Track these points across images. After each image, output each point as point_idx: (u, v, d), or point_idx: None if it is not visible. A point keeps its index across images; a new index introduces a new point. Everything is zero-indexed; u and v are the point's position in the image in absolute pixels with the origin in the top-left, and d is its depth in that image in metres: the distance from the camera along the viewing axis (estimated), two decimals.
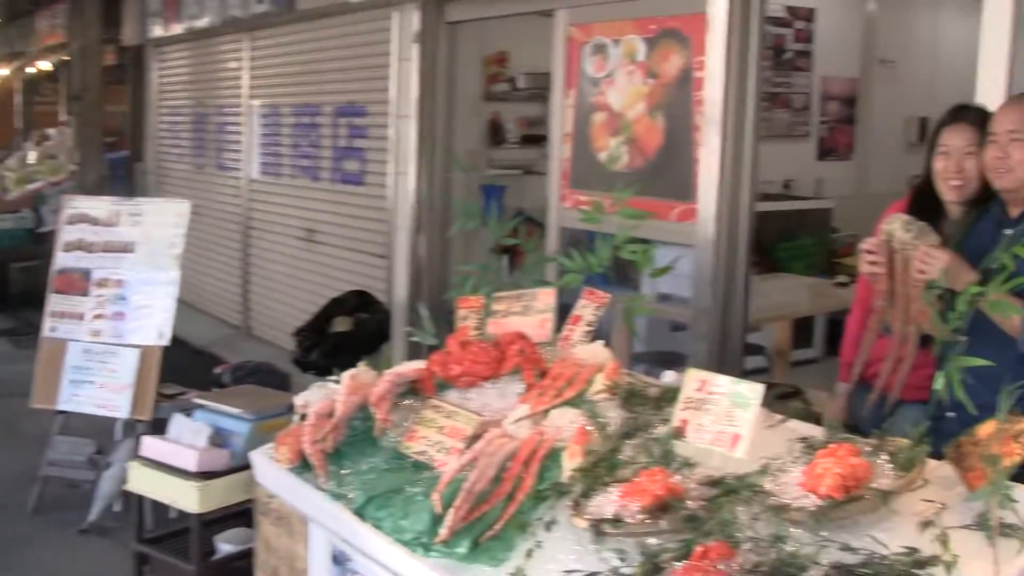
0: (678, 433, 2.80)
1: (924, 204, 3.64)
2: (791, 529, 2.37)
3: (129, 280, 6.21)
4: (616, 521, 2.46)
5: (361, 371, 3.40)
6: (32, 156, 15.44)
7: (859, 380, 3.71)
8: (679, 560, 2.28)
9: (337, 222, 8.83)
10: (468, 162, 8.35)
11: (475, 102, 8.70)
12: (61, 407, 6.22)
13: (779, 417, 3.09)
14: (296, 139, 9.50)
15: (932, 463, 2.63)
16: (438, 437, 2.99)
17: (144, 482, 4.63)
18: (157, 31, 12.40)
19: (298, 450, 3.19)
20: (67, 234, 6.52)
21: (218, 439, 4.61)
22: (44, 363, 6.30)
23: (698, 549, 2.27)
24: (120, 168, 14.29)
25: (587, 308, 3.68)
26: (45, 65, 18.99)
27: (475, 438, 2.92)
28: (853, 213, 9.32)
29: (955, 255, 3.17)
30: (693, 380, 2.86)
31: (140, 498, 4.79)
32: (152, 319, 6.09)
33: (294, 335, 7.78)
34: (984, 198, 3.49)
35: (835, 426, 2.89)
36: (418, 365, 3.41)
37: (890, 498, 2.44)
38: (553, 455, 2.83)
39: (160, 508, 5.00)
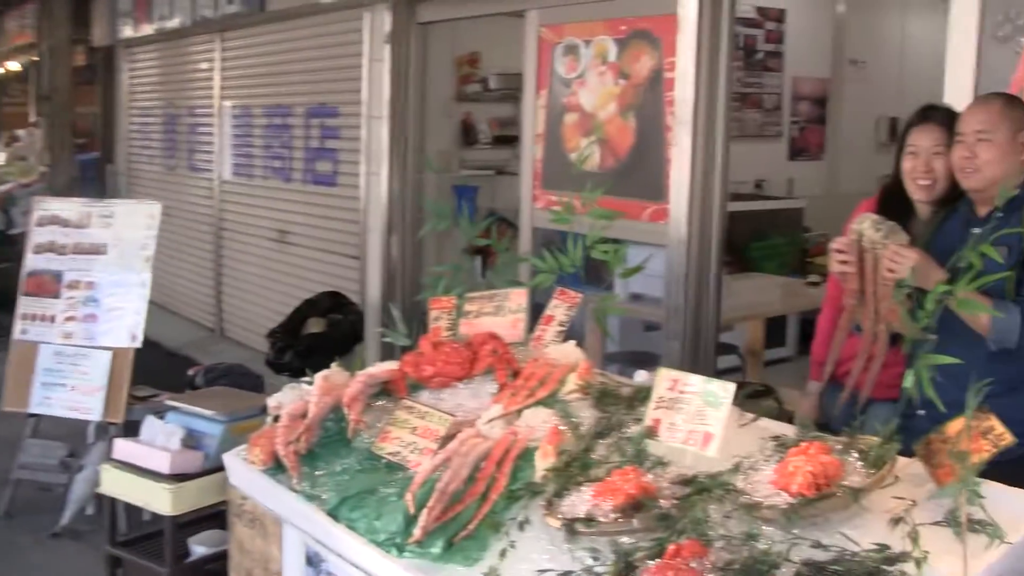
0: (650, 432, 2.81)
1: (893, 204, 3.66)
2: (763, 527, 2.39)
3: (100, 282, 6.18)
4: (589, 520, 2.47)
5: (334, 372, 3.40)
6: (1, 157, 15.34)
7: (831, 379, 3.73)
8: (652, 559, 2.29)
9: (310, 223, 8.82)
10: (440, 163, 8.35)
11: (447, 103, 8.70)
12: (33, 410, 6.18)
13: (751, 416, 3.10)
14: (268, 140, 9.48)
15: (903, 460, 2.65)
16: (411, 438, 3.00)
17: (117, 485, 4.61)
18: (127, 31, 12.33)
19: (271, 451, 3.19)
20: (38, 236, 6.48)
21: (191, 441, 4.59)
22: (15, 366, 6.27)
23: (671, 548, 2.29)
24: (91, 170, 14.21)
25: (559, 308, 3.69)
26: (14, 66, 18.89)
27: (448, 438, 2.92)
28: (824, 213, 9.35)
29: (924, 254, 3.20)
30: (665, 379, 2.87)
31: (113, 501, 4.77)
32: (124, 321, 6.06)
33: (267, 337, 7.77)
34: (953, 197, 3.52)
35: (807, 424, 2.90)
36: (391, 366, 3.42)
37: (861, 495, 2.46)
38: (526, 455, 2.84)
39: (133, 511, 4.98)
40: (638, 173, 5.60)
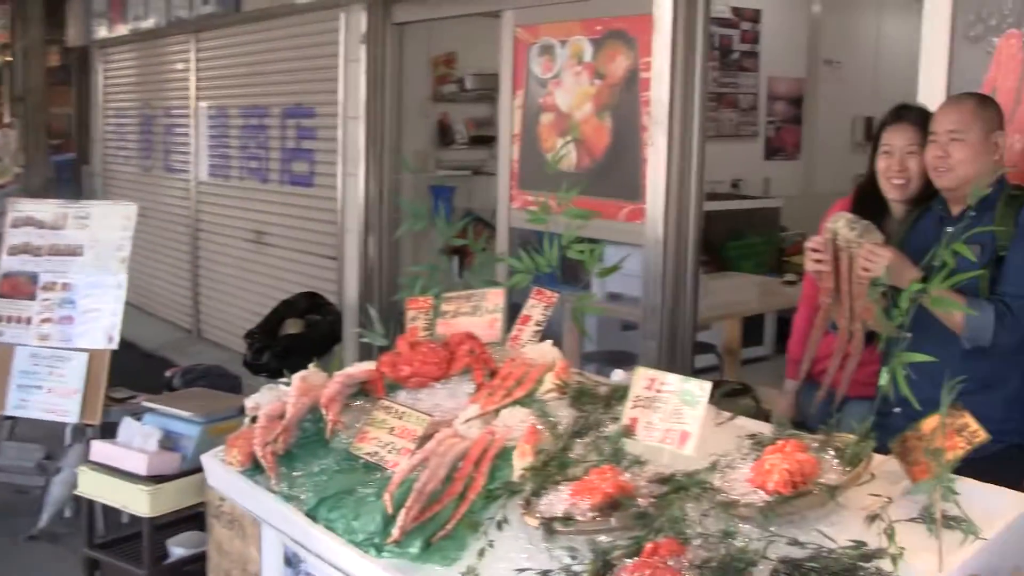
0: (628, 431, 2.82)
1: (868, 203, 3.68)
2: (740, 525, 2.40)
3: (76, 283, 6.15)
4: (567, 519, 2.48)
5: (311, 373, 3.41)
6: None
7: (807, 377, 3.75)
8: (630, 557, 2.30)
9: (287, 224, 8.80)
10: (417, 163, 8.35)
11: (423, 103, 8.70)
12: (9, 412, 6.15)
13: (727, 414, 3.11)
14: (244, 141, 9.46)
15: (878, 458, 2.67)
16: (389, 438, 3.00)
17: (94, 487, 4.60)
18: (102, 32, 12.28)
19: (249, 452, 3.19)
20: (13, 237, 6.45)
21: (169, 442, 4.58)
22: None
23: (648, 546, 2.30)
24: (66, 171, 14.16)
25: (536, 308, 3.70)
26: None
27: (426, 438, 2.93)
28: (801, 212, 9.40)
29: (899, 253, 3.21)
30: (642, 378, 2.88)
31: (91, 503, 4.76)
32: (100, 323, 6.04)
33: (245, 338, 7.76)
34: (926, 196, 3.54)
35: (783, 423, 2.91)
36: (368, 366, 3.42)
37: (837, 493, 2.47)
38: (504, 454, 2.85)
39: (112, 513, 4.96)
40: (614, 173, 5.61)
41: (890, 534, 2.29)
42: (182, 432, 4.61)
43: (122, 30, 11.72)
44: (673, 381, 2.82)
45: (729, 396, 3.35)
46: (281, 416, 3.21)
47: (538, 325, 3.66)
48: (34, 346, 6.12)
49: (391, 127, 7.60)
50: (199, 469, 3.63)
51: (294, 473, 3.09)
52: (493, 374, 3.32)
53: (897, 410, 3.11)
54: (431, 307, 3.73)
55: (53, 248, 6.29)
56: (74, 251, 6.22)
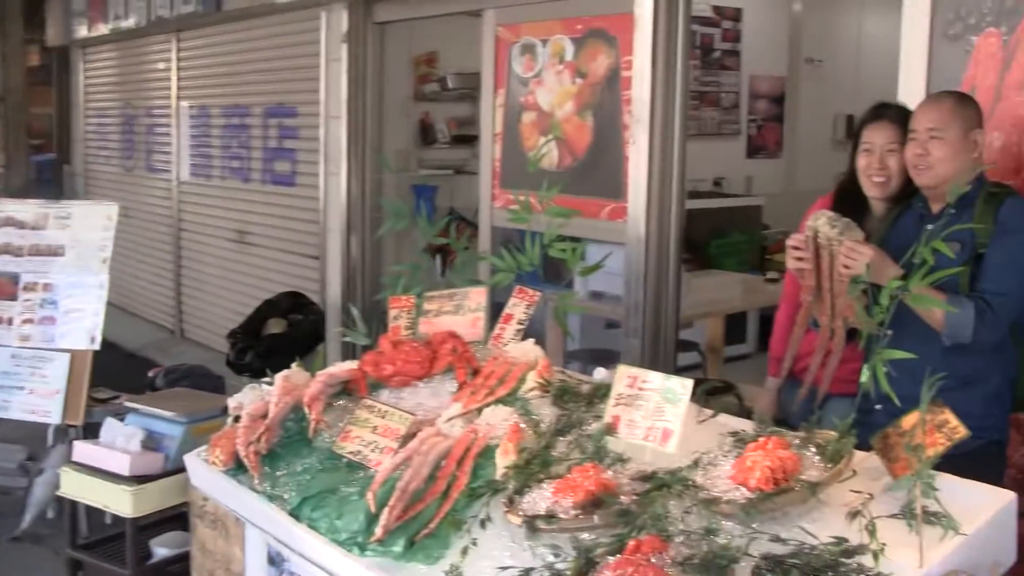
0: (610, 429, 2.83)
1: (848, 200, 3.69)
2: (722, 522, 2.41)
3: (58, 284, 6.12)
4: (550, 517, 2.48)
5: (294, 372, 3.40)
6: None
7: (789, 375, 3.76)
8: (612, 554, 2.31)
9: (269, 223, 8.79)
10: (399, 162, 8.34)
11: (405, 102, 8.68)
12: None
13: (709, 412, 3.12)
14: (226, 140, 9.44)
15: (860, 455, 2.68)
16: (372, 437, 3.00)
17: (77, 487, 4.59)
18: (82, 31, 12.24)
19: (232, 452, 3.19)
20: None
21: (151, 443, 4.57)
22: None
23: (631, 543, 2.31)
24: (47, 171, 14.12)
25: (518, 306, 3.70)
26: None
27: (409, 437, 2.93)
28: (783, 210, 9.42)
29: (879, 250, 3.23)
30: (624, 377, 2.89)
31: (73, 504, 4.75)
32: (82, 323, 6.01)
33: (228, 337, 7.74)
34: (907, 194, 3.56)
35: (765, 420, 2.92)
36: (350, 366, 3.42)
37: (819, 489, 2.48)
38: (487, 453, 2.85)
39: (95, 514, 4.95)
40: (596, 171, 5.62)
41: (871, 530, 2.29)
42: (165, 432, 4.60)
43: (102, 29, 11.68)
44: (655, 379, 2.83)
45: (711, 394, 3.34)
46: (264, 416, 3.21)
47: (520, 324, 3.67)
48: (15, 347, 6.09)
49: (373, 126, 7.60)
50: (182, 469, 3.63)
51: (277, 472, 3.09)
52: (476, 373, 3.33)
53: (878, 407, 3.12)
54: (413, 306, 3.73)
55: (34, 248, 6.27)
56: (55, 251, 6.20)
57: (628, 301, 5.44)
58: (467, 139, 8.87)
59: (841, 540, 2.30)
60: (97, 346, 5.95)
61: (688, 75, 5.35)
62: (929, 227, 3.19)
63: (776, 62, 10.74)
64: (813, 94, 10.86)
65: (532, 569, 2.39)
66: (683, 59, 5.28)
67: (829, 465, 2.58)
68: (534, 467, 2.72)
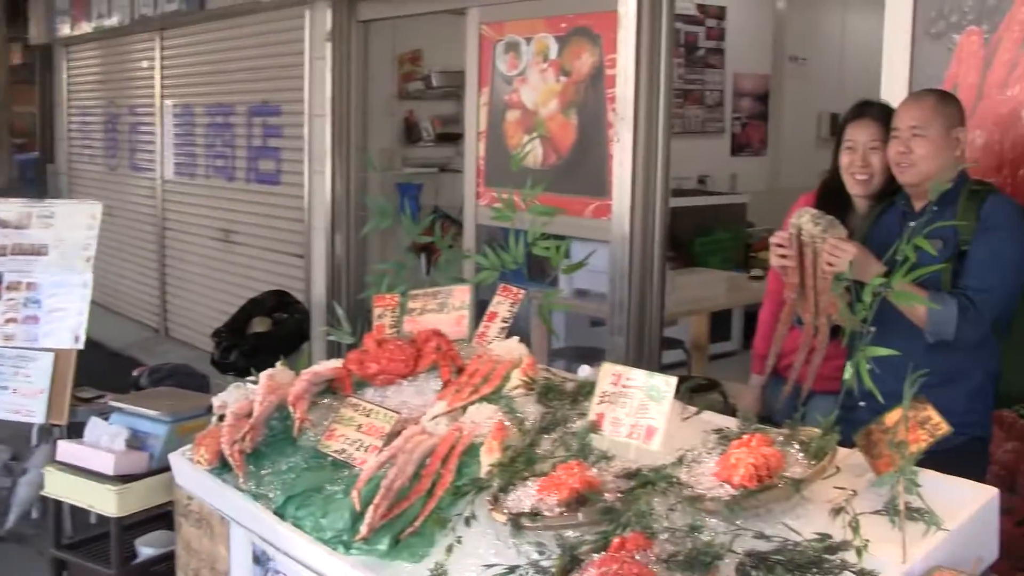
0: (594, 427, 2.83)
1: (832, 198, 3.71)
2: (706, 519, 2.42)
3: (41, 283, 6.10)
4: (534, 515, 2.48)
5: (279, 371, 3.40)
6: None
7: (773, 372, 3.77)
8: (597, 552, 2.31)
9: (254, 222, 8.78)
10: (383, 161, 8.34)
11: (389, 101, 8.68)
12: None
13: (693, 409, 3.13)
14: (210, 139, 9.43)
15: (844, 451, 2.69)
16: (357, 435, 3.00)
17: (61, 487, 4.57)
18: (65, 30, 12.20)
19: (217, 451, 3.18)
20: None
21: (136, 442, 4.56)
22: None
23: (615, 541, 2.31)
24: (30, 170, 14.06)
25: (502, 304, 3.70)
26: None
27: (393, 436, 2.93)
28: (767, 208, 9.44)
29: (862, 248, 3.24)
30: (608, 374, 2.89)
31: (58, 503, 4.73)
32: (66, 322, 5.99)
33: (212, 336, 7.73)
34: (890, 192, 3.57)
35: (749, 417, 2.93)
36: (335, 364, 3.42)
37: (802, 486, 2.48)
38: (471, 451, 2.85)
39: (79, 513, 4.94)
40: (580, 169, 5.63)
41: (855, 526, 2.30)
42: (149, 431, 4.59)
43: (86, 28, 11.65)
44: (639, 377, 2.84)
45: (695, 391, 3.35)
46: (248, 414, 3.21)
47: (505, 322, 3.67)
48: None
49: (357, 125, 7.59)
50: (167, 468, 3.62)
51: (262, 471, 3.09)
52: (460, 371, 3.33)
53: (862, 404, 3.14)
54: (398, 304, 3.73)
55: (17, 247, 6.24)
56: (39, 250, 6.17)
57: (613, 299, 5.45)
58: (451, 137, 8.87)
59: (825, 536, 2.31)
60: (81, 345, 5.93)
61: (672, 73, 5.36)
62: (912, 224, 3.20)
63: (760, 60, 10.76)
64: (797, 92, 10.89)
65: (517, 567, 2.40)
66: (667, 57, 5.29)
67: (813, 462, 2.59)
68: (519, 465, 2.72)
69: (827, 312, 3.28)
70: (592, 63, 5.53)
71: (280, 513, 2.91)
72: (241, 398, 3.35)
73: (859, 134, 3.63)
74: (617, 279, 5.40)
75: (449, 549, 2.55)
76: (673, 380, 2.77)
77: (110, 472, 4.40)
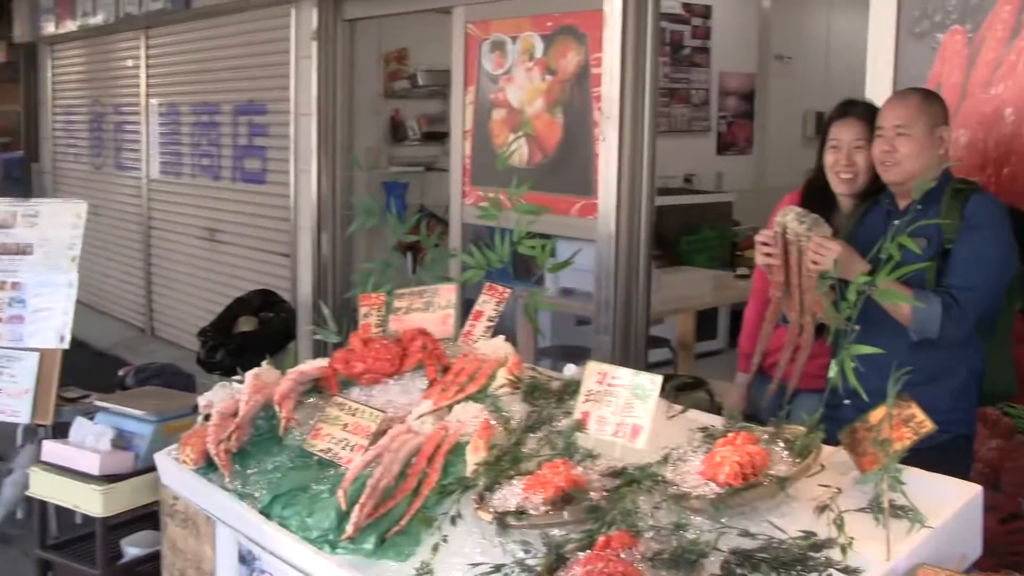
0: (580, 426, 2.84)
1: (816, 197, 3.72)
2: (691, 517, 2.42)
3: (26, 283, 6.08)
4: (520, 513, 2.48)
5: (264, 370, 3.40)
6: None
7: (758, 370, 3.77)
8: (582, 550, 2.31)
9: (240, 221, 8.77)
10: (369, 160, 8.34)
11: (375, 100, 8.68)
12: None
13: (679, 408, 3.13)
14: (196, 138, 9.41)
15: (829, 449, 2.69)
16: (342, 435, 3.00)
17: (46, 487, 4.56)
18: (49, 28, 12.17)
19: (203, 450, 3.18)
20: None
21: (121, 442, 4.55)
22: None
23: (601, 539, 2.31)
24: (15, 168, 14.01)
25: (488, 303, 3.70)
26: None
27: (379, 435, 2.93)
28: (753, 206, 9.45)
29: (847, 246, 3.25)
30: (594, 373, 2.90)
31: (43, 504, 4.72)
32: (51, 322, 5.97)
33: (198, 336, 7.72)
34: (874, 191, 3.58)
35: (734, 416, 2.93)
36: (321, 363, 3.42)
37: (787, 484, 2.49)
38: (457, 450, 2.85)
39: (64, 513, 4.93)
40: (566, 168, 5.63)
41: (839, 524, 2.31)
42: (135, 431, 4.58)
43: (70, 26, 11.62)
44: (624, 375, 2.84)
45: (681, 390, 3.36)
46: (234, 414, 3.20)
47: (490, 321, 3.67)
48: None
49: (343, 124, 7.59)
50: (152, 468, 3.61)
51: (248, 471, 3.09)
52: (446, 370, 3.33)
53: (847, 402, 3.14)
54: (384, 303, 3.73)
55: (2, 247, 6.21)
56: (23, 250, 6.15)
57: (599, 298, 5.46)
58: (437, 136, 8.87)
59: (809, 534, 2.31)
60: (66, 345, 5.91)
61: (657, 72, 5.37)
62: (896, 223, 3.21)
63: (746, 59, 10.78)
64: (783, 91, 10.91)
65: (503, 565, 2.40)
66: (652, 56, 5.30)
67: (798, 460, 2.59)
68: (504, 464, 2.72)
69: (812, 310, 3.29)
70: (578, 62, 5.54)
71: (266, 512, 2.90)
72: (227, 397, 3.35)
73: (844, 133, 3.64)
74: (603, 278, 5.40)
75: (435, 548, 2.56)
76: (658, 378, 2.78)
77: (95, 472, 4.39)
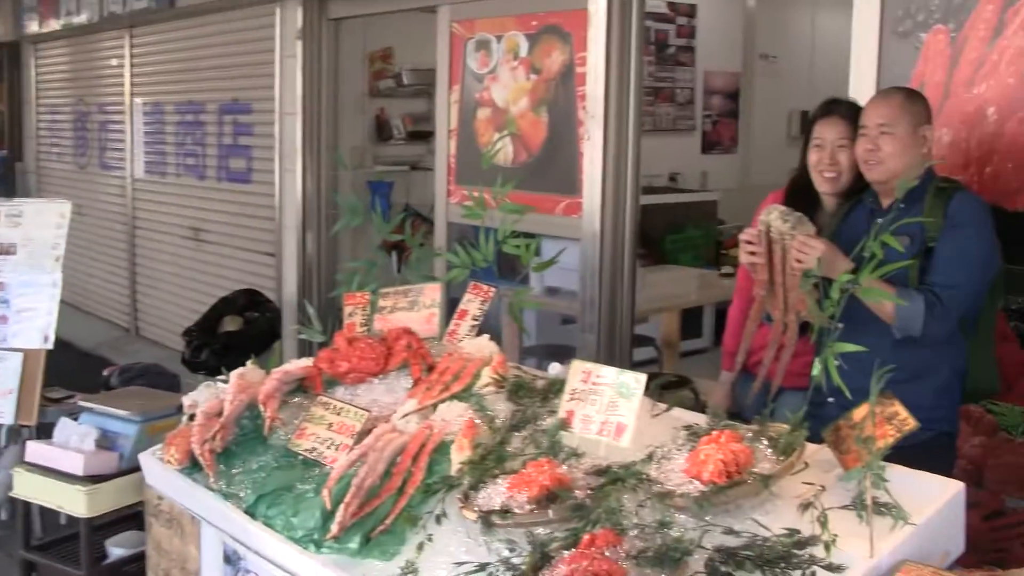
0: (565, 424, 2.84)
1: (800, 195, 3.72)
2: (676, 515, 2.42)
3: (10, 283, 6.06)
4: (505, 512, 2.48)
5: (249, 370, 3.39)
6: None
7: (743, 369, 3.78)
8: (567, 548, 2.32)
9: (225, 221, 8.76)
10: (354, 159, 8.34)
11: (360, 99, 8.68)
12: None
13: (663, 406, 3.14)
14: (181, 137, 9.40)
15: (812, 447, 2.69)
16: (327, 434, 3.00)
17: (30, 488, 4.55)
18: (33, 27, 12.14)
19: (187, 450, 3.17)
20: None
21: (106, 442, 4.55)
22: None
23: (585, 537, 2.31)
24: None
25: (473, 302, 3.70)
26: None
27: (364, 434, 2.93)
28: (738, 205, 9.48)
29: (831, 244, 3.25)
30: (578, 372, 2.90)
31: (27, 504, 4.72)
32: (35, 322, 5.96)
33: (183, 335, 7.70)
34: (858, 189, 3.59)
35: (719, 414, 2.94)
36: (306, 363, 3.42)
37: (771, 482, 2.49)
38: (442, 449, 2.86)
39: (49, 514, 4.92)
40: (551, 167, 5.64)
41: (823, 521, 2.32)
42: (119, 431, 4.58)
43: (54, 25, 11.59)
44: (609, 374, 2.85)
45: (665, 388, 3.36)
46: (219, 414, 3.20)
47: (475, 320, 3.67)
48: None
49: (328, 123, 7.58)
50: (137, 468, 3.61)
51: (232, 471, 3.08)
52: (431, 369, 3.33)
53: (830, 400, 3.15)
54: (368, 303, 3.73)
55: None
56: (7, 250, 6.14)
57: (583, 297, 5.46)
58: (422, 135, 8.87)
59: (793, 531, 2.32)
60: (50, 345, 5.90)
61: (642, 71, 5.38)
62: (879, 221, 3.22)
63: (730, 58, 10.80)
64: (767, 90, 10.94)
65: (488, 564, 2.40)
66: (637, 55, 5.30)
67: (781, 458, 2.60)
68: (489, 463, 2.72)
69: (796, 309, 3.29)
70: (562, 61, 5.54)
71: (251, 512, 2.90)
72: (212, 397, 3.35)
73: (827, 132, 3.65)
74: (588, 277, 5.41)
75: (420, 547, 2.56)
76: (643, 377, 2.78)
77: (80, 472, 4.39)
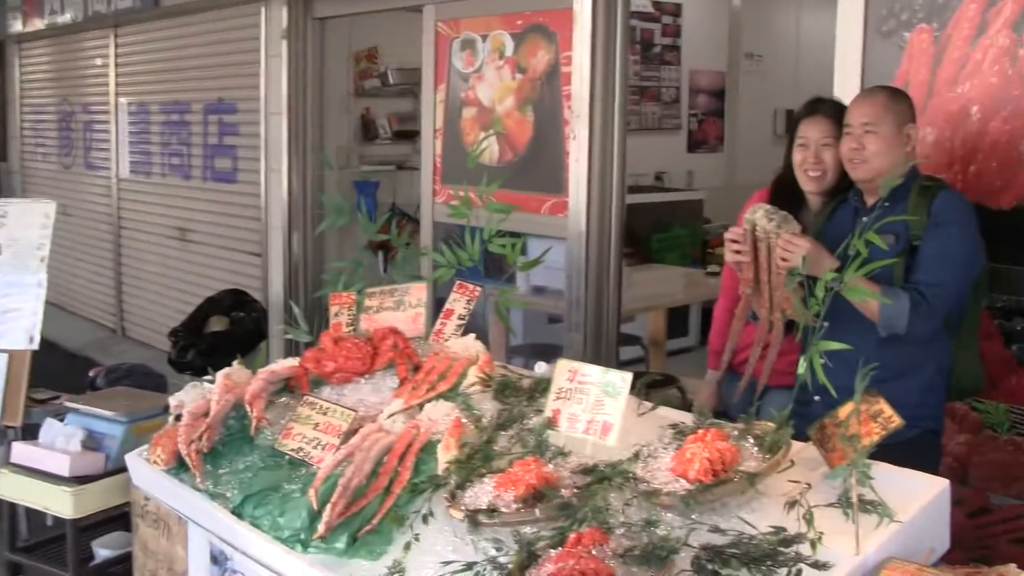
0: (551, 423, 2.84)
1: (785, 194, 3.73)
2: (662, 513, 2.42)
3: None
4: (491, 511, 2.48)
5: (235, 370, 3.39)
6: None
7: (729, 367, 3.79)
8: (554, 547, 2.32)
9: (211, 221, 8.74)
10: (340, 158, 8.33)
11: (346, 98, 8.67)
12: None
13: (649, 405, 3.14)
14: (166, 137, 9.38)
15: (798, 445, 2.70)
16: (314, 434, 2.99)
17: (16, 489, 4.54)
18: (17, 26, 12.09)
19: (174, 451, 3.17)
20: None
21: (92, 443, 4.53)
22: None
23: (572, 536, 2.31)
24: None
25: (459, 302, 3.71)
26: None
27: (350, 433, 2.93)
28: (724, 204, 9.50)
29: (816, 242, 3.26)
30: (564, 371, 2.90)
31: (13, 506, 4.70)
32: (20, 323, 5.93)
33: (169, 336, 7.69)
34: (842, 188, 3.60)
35: (705, 412, 2.94)
36: (292, 363, 3.41)
37: (757, 480, 2.49)
38: (428, 448, 2.85)
39: (35, 515, 4.90)
40: (537, 167, 5.64)
41: (809, 519, 2.32)
42: (106, 432, 4.56)
43: (38, 24, 11.55)
44: (594, 373, 2.85)
45: (651, 387, 3.37)
46: (205, 414, 3.19)
47: (461, 319, 3.67)
48: None
49: (313, 122, 7.58)
50: (123, 469, 3.60)
51: (219, 471, 3.08)
52: (417, 368, 3.33)
53: (816, 398, 3.17)
54: (355, 302, 3.73)
55: None
56: None
57: (570, 296, 5.47)
58: (408, 135, 8.87)
59: (779, 529, 2.32)
60: (36, 346, 5.87)
61: (627, 70, 5.39)
62: (864, 220, 3.23)
63: (716, 57, 10.82)
64: (753, 89, 10.96)
65: (475, 563, 2.40)
66: (622, 54, 5.31)
67: (767, 456, 2.60)
68: (476, 462, 2.72)
69: (781, 307, 3.31)
70: (548, 60, 5.54)
71: (238, 512, 2.90)
72: (198, 397, 3.34)
73: (812, 131, 3.66)
74: (574, 276, 5.41)
75: (407, 547, 2.56)
76: (628, 376, 2.78)
77: (65, 473, 4.37)
